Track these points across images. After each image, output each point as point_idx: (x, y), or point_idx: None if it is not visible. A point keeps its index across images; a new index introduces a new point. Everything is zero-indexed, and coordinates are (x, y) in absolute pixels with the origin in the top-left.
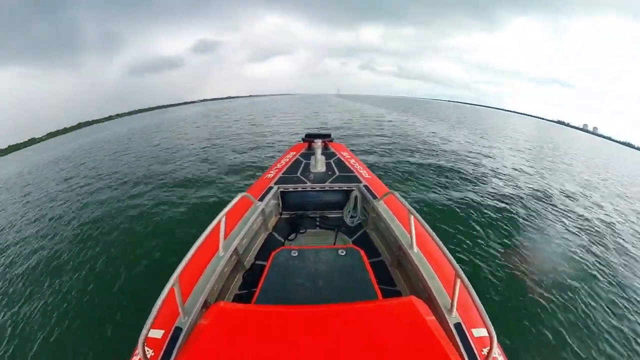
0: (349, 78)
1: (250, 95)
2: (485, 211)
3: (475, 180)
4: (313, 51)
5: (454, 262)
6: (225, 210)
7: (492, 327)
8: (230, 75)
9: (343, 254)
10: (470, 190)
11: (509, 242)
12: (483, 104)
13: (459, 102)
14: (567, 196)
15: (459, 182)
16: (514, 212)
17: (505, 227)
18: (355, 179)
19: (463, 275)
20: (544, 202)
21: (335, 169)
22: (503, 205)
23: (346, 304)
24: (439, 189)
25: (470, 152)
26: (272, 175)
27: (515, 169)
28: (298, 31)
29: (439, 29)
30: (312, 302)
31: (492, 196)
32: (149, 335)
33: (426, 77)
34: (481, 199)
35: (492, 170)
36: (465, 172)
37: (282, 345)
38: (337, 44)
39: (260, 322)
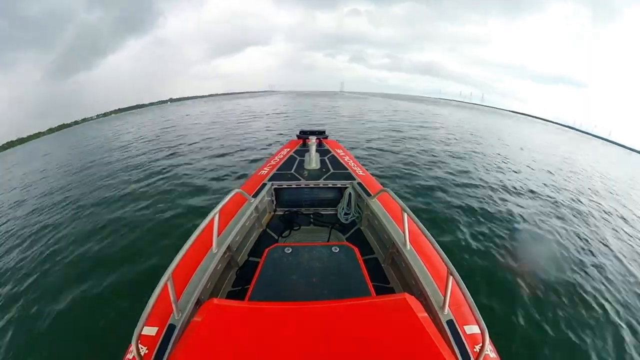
0: (342, 73)
1: (211, 95)
2: None
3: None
4: (294, 42)
5: (447, 259)
6: (219, 206)
7: (484, 324)
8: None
9: (337, 251)
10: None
11: None
12: (486, 104)
13: (461, 101)
14: None
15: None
16: None
17: None
18: (350, 176)
19: (455, 273)
20: None
21: (330, 166)
22: None
23: (340, 301)
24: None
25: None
26: (266, 171)
27: None
28: (267, 13)
29: (443, 8)
30: (306, 299)
31: None
32: (142, 333)
33: (431, 71)
34: None
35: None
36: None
37: (276, 341)
38: (319, 31)
39: (254, 319)
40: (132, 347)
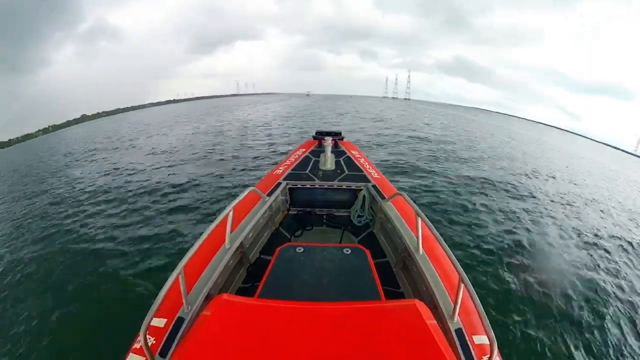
0: (352, 73)
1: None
2: None
3: None
4: (288, 35)
5: (459, 267)
6: (233, 203)
7: (494, 335)
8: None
9: (348, 253)
10: None
11: None
12: (513, 114)
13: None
14: None
15: None
16: None
17: None
18: (364, 178)
19: (467, 281)
20: None
21: (345, 168)
22: None
23: (349, 303)
24: None
25: None
26: (281, 171)
27: None
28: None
29: None
30: (315, 299)
31: None
32: (151, 324)
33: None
34: None
35: None
36: None
37: (283, 339)
38: (313, 23)
39: (262, 316)
40: (140, 337)
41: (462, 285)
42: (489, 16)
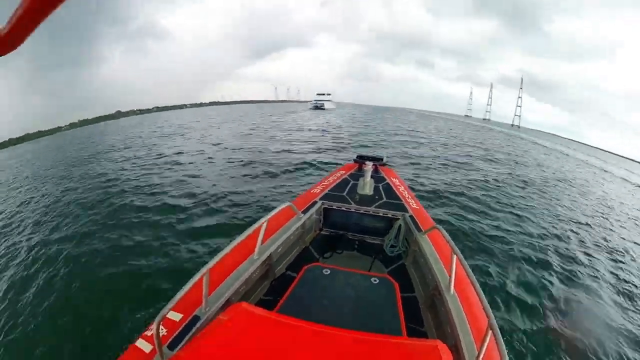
0: (409, 85)
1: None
2: None
3: None
4: (340, 43)
5: (490, 312)
6: (268, 216)
7: None
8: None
9: (376, 282)
10: None
11: None
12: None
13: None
14: None
15: None
16: None
17: None
18: (402, 207)
19: (496, 328)
20: None
21: (383, 194)
22: None
23: (368, 335)
24: None
25: None
26: (319, 190)
27: None
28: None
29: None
30: (334, 324)
31: None
32: (167, 316)
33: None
34: None
35: None
36: None
37: (291, 358)
38: (367, 32)
39: (277, 331)
40: (154, 326)
41: (490, 332)
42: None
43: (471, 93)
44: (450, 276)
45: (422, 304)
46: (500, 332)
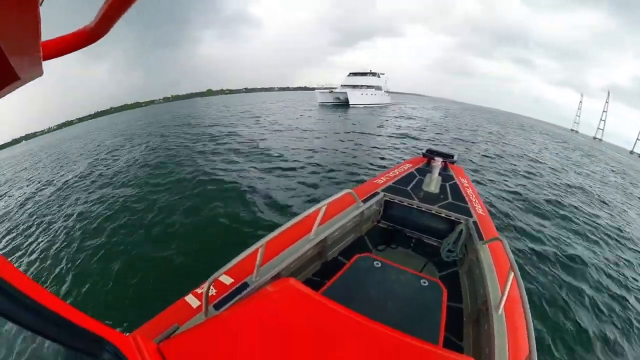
0: (505, 85)
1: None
2: None
3: None
4: (432, 34)
5: (534, 344)
6: (329, 200)
7: None
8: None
9: (425, 284)
10: None
11: None
12: None
13: None
14: None
15: None
16: None
17: None
18: (467, 211)
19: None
20: None
21: (449, 194)
22: None
23: (404, 335)
24: None
25: None
26: (382, 182)
27: None
28: None
29: None
30: (374, 317)
31: None
32: (219, 279)
33: None
34: None
35: None
36: None
37: (326, 342)
38: (462, 24)
39: (318, 312)
40: (205, 285)
41: None
42: None
43: (580, 102)
44: (502, 294)
45: (466, 317)
46: None
